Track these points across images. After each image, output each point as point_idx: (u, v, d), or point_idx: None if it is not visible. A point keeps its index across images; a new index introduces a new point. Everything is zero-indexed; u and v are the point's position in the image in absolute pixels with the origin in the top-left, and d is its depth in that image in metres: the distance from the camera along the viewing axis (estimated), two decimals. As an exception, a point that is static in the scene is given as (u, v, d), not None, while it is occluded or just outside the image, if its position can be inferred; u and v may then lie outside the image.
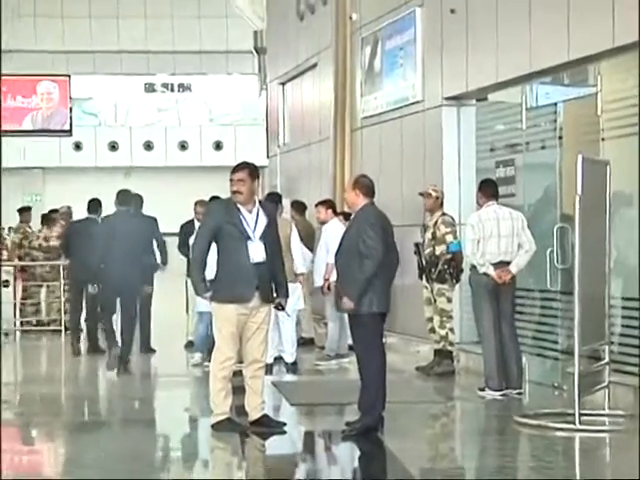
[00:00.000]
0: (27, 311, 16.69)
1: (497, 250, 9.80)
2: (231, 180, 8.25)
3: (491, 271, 9.75)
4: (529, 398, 9.81)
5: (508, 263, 9.80)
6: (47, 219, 17.27)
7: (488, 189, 10.14)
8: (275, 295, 8.34)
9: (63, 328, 15.09)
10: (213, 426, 8.26)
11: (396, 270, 8.43)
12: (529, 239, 9.86)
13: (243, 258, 8.14)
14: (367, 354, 8.21)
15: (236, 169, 8.28)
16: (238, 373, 8.48)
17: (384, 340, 8.55)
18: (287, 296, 8.44)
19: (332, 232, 12.03)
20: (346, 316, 8.80)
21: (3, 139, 28.56)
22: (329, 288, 12.02)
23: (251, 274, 8.13)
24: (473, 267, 9.99)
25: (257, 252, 8.17)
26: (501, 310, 9.85)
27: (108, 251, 11.73)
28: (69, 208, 16.55)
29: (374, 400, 8.15)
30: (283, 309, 8.46)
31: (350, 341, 9.79)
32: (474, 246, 9.84)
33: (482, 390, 9.81)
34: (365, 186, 8.35)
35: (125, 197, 12.38)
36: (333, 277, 11.64)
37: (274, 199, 12.49)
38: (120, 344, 11.92)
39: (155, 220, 12.81)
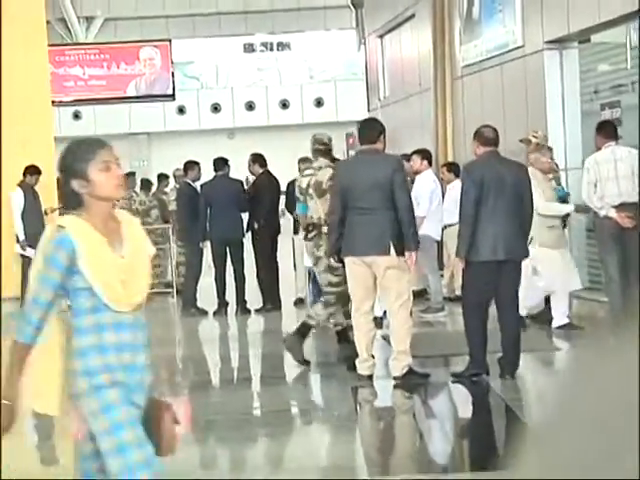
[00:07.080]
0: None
1: (617, 191, 9.44)
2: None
3: (612, 213, 9.37)
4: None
5: (633, 204, 9.38)
6: (145, 184, 17.70)
7: (605, 130, 9.75)
8: None
9: (175, 291, 15.26)
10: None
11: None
12: None
13: None
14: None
15: None
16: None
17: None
18: None
19: (423, 184, 11.93)
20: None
21: (109, 106, 29.01)
22: None
23: None
24: (595, 212, 9.65)
25: None
26: (629, 254, 9.42)
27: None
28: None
29: (478, 347, 8.13)
30: None
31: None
32: (590, 189, 9.52)
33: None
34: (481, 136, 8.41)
35: (221, 163, 13.68)
36: (421, 230, 11.30)
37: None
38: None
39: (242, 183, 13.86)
